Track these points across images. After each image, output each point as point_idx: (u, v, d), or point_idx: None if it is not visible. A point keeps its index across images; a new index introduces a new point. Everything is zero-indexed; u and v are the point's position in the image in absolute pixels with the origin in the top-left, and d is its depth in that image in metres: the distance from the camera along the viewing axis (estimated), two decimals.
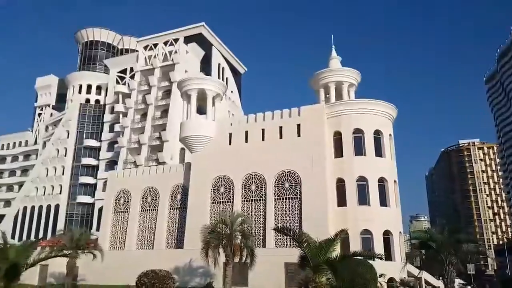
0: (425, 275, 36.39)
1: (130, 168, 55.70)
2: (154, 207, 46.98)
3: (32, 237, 68.18)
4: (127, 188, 49.18)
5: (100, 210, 57.65)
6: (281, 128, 40.55)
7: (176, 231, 45.15)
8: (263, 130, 41.41)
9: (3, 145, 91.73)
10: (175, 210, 45.96)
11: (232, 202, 41.20)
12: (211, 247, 29.61)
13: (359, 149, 38.27)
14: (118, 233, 48.30)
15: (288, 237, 35.66)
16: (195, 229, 36.30)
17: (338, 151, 38.76)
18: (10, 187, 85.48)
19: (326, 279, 19.55)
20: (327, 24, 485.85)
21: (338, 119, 39.23)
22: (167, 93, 66.96)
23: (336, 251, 21.14)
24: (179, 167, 48.05)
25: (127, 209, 48.37)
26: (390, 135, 40.28)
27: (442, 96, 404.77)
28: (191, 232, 40.17)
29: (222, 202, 41.95)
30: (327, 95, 44.60)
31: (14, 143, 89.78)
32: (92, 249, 38.16)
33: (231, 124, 44.02)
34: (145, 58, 70.53)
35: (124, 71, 74.08)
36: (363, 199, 36.95)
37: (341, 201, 37.34)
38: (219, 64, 73.98)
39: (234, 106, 75.69)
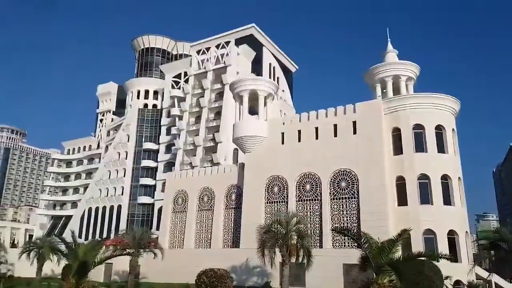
0: (495, 278, 33.98)
1: (186, 169, 57.06)
2: (210, 206, 47.76)
3: (97, 237, 71.89)
4: (184, 188, 50.41)
5: (160, 210, 59.56)
6: (335, 125, 39.62)
7: (232, 230, 45.62)
8: (316, 128, 40.69)
9: (69, 150, 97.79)
10: (231, 209, 46.42)
11: (287, 202, 40.87)
12: (267, 247, 29.45)
13: (419, 146, 36.49)
14: (177, 232, 49.61)
15: (346, 237, 34.92)
16: (250, 228, 36.48)
17: (397, 148, 37.20)
18: (76, 189, 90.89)
19: (388, 281, 18.77)
20: (382, 16, 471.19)
21: (396, 115, 37.67)
22: (220, 95, 67.98)
23: (399, 252, 20.23)
24: (233, 167, 48.49)
25: (185, 209, 49.57)
26: (453, 129, 38.04)
27: (509, 87, 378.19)
28: (247, 231, 40.41)
29: (276, 202, 41.75)
30: (384, 90, 42.99)
31: (79, 147, 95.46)
32: (153, 248, 39.41)
33: (283, 123, 43.70)
34: (198, 62, 72.11)
35: (178, 76, 76.24)
36: (425, 197, 35.18)
37: (402, 200, 35.79)
38: (270, 64, 73.99)
39: (286, 105, 75.30)
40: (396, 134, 37.67)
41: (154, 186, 73.40)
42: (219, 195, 47.30)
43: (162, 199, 56.35)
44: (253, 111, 47.46)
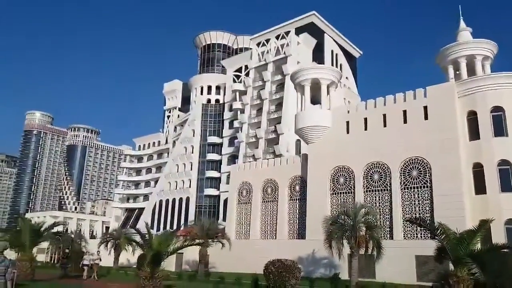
0: None
1: (249, 162, 57.58)
2: (274, 198, 47.77)
3: (168, 228, 75.06)
4: (248, 180, 50.88)
5: (225, 201, 60.78)
6: (404, 112, 37.63)
7: (297, 221, 45.32)
8: (384, 115, 38.92)
9: (139, 146, 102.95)
10: (295, 201, 46.10)
11: (353, 192, 39.70)
12: (334, 238, 28.78)
13: (499, 130, 33.55)
14: (243, 223, 50.29)
15: (419, 228, 33.30)
16: (316, 220, 35.89)
17: (473, 133, 34.54)
18: (147, 183, 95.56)
19: (467, 273, 17.57)
20: None
21: (472, 97, 34.97)
22: (281, 86, 67.64)
23: (478, 243, 18.83)
24: (296, 158, 48.03)
25: (249, 200, 50.06)
26: None
27: None
28: (312, 223, 39.86)
29: (342, 192, 40.71)
30: (457, 72, 40.09)
31: (149, 143, 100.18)
32: (220, 238, 40.23)
33: (348, 111, 42.33)
34: (258, 54, 72.26)
35: (239, 70, 77.05)
36: (507, 185, 32.34)
37: (480, 188, 33.22)
38: (332, 51, 72.29)
39: (350, 92, 73.22)
40: (472, 118, 35.00)
41: (219, 178, 75.08)
42: (283, 187, 47.13)
43: (227, 191, 57.40)
44: (315, 100, 46.57)
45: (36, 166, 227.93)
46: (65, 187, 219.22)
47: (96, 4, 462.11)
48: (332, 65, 68.40)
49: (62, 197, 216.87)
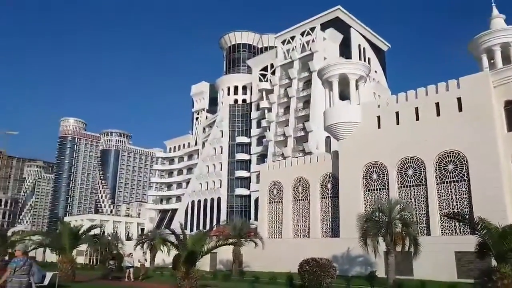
0: None
1: (279, 160, 57.38)
2: (306, 196, 47.40)
3: (201, 228, 75.88)
4: (278, 179, 50.70)
5: (256, 201, 60.87)
6: (437, 104, 36.52)
7: (330, 219, 44.81)
8: (416, 109, 37.91)
9: (170, 148, 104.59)
10: (327, 199, 45.57)
11: (387, 188, 38.86)
12: (369, 235, 28.23)
13: None
14: (275, 222, 50.17)
15: (458, 224, 32.27)
16: (349, 217, 35.41)
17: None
18: (179, 184, 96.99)
19: (511, 269, 16.96)
20: None
21: (508, 87, 33.50)
22: (308, 83, 67.10)
23: None
24: (327, 156, 47.47)
25: (280, 199, 49.89)
26: None
27: None
28: (346, 220, 39.34)
29: (376, 189, 39.93)
30: (491, 61, 38.57)
31: (179, 145, 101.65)
32: (253, 237, 40.24)
33: (378, 106, 41.47)
34: (284, 52, 71.93)
35: (265, 69, 76.98)
36: None
37: None
38: (359, 45, 71.15)
39: (379, 86, 71.84)
40: (509, 108, 33.60)
41: (249, 178, 75.27)
42: (314, 185, 46.68)
43: (258, 190, 57.43)
44: (344, 96, 45.89)
45: (72, 171, 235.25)
46: (100, 191, 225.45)
47: (121, 8, 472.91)
48: (360, 59, 67.33)
49: (98, 201, 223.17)
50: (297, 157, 53.75)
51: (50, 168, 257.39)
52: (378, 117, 40.54)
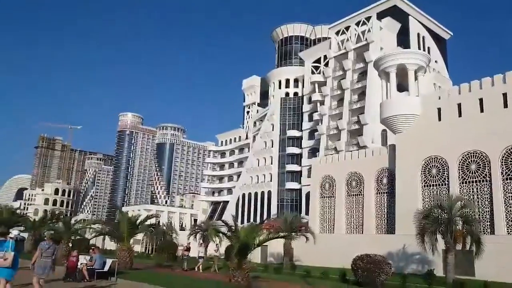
0: None
1: (331, 154, 56.26)
2: (360, 191, 46.12)
3: (251, 220, 76.33)
4: (330, 174, 49.73)
5: (307, 195, 60.14)
6: (505, 95, 33.89)
7: (385, 216, 43.33)
8: (480, 100, 35.45)
9: (222, 141, 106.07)
10: (382, 194, 44.10)
11: (447, 184, 36.84)
12: (427, 233, 26.89)
13: None
14: (326, 217, 49.33)
15: None
16: (406, 214, 34.00)
17: None
18: (230, 177, 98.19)
19: None
20: None
21: None
22: (363, 75, 65.10)
23: None
24: (383, 150, 45.86)
25: (333, 194, 48.94)
26: None
27: None
28: (402, 217, 37.81)
29: (435, 185, 37.99)
30: None
31: (230, 139, 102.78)
32: (304, 232, 39.81)
33: (439, 97, 39.29)
34: (338, 43, 70.24)
35: (318, 61, 75.58)
36: None
37: None
38: (418, 34, 67.94)
39: (440, 77, 68.23)
40: None
41: (300, 172, 74.55)
42: (369, 180, 45.31)
43: (309, 185, 56.70)
44: (401, 88, 44.08)
45: (130, 164, 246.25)
46: (156, 182, 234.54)
47: (173, 7, 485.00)
48: (419, 49, 64.19)
49: (153, 192, 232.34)
50: (351, 151, 52.39)
51: (109, 161, 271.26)
52: (439, 109, 38.46)
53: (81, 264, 19.63)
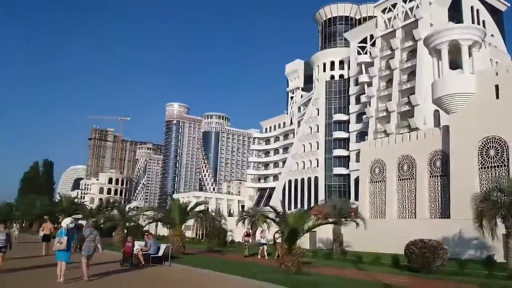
0: None
1: (381, 138, 54.64)
2: (412, 175, 44.54)
3: (298, 206, 76.14)
4: (380, 157, 48.37)
5: (356, 180, 59.06)
6: None
7: (439, 199, 41.67)
8: None
9: (266, 128, 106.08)
10: (436, 177, 42.36)
11: (508, 165, 34.81)
12: (486, 217, 25.40)
13: None
14: (377, 202, 48.17)
15: None
16: (462, 197, 32.48)
17: None
18: (276, 164, 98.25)
19: None
20: None
21: None
22: (412, 53, 62.32)
23: None
24: (435, 131, 43.90)
25: (383, 178, 47.63)
26: None
27: None
28: (457, 200, 36.16)
29: (494, 166, 35.97)
30: None
31: (275, 125, 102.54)
32: (354, 217, 39.07)
33: (496, 73, 36.91)
34: (385, 21, 67.56)
35: (364, 41, 73.13)
36: None
37: None
38: (471, 7, 63.98)
39: (497, 52, 64.01)
40: None
41: (348, 157, 73.09)
42: (421, 163, 43.62)
43: (358, 170, 55.52)
44: (455, 65, 41.70)
45: (178, 152, 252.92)
46: (203, 170, 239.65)
47: None
48: (473, 23, 60.45)
49: (201, 179, 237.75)
50: (401, 134, 50.65)
51: (158, 150, 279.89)
52: (496, 86, 36.18)
53: (136, 249, 20.27)
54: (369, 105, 66.59)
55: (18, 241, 34.18)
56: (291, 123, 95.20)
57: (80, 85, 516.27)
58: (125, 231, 38.18)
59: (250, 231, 31.39)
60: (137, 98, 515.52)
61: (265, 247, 28.95)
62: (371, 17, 76.75)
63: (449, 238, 34.83)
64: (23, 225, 68.75)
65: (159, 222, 40.64)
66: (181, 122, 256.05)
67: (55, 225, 31.82)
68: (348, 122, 74.87)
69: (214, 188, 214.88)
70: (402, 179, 45.61)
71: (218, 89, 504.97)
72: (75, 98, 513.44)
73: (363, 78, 69.94)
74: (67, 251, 13.72)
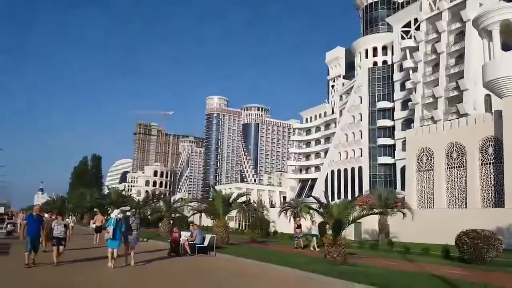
0: None
1: (428, 125, 52.56)
2: (462, 163, 42.61)
3: (342, 197, 74.96)
4: (428, 145, 46.61)
5: (402, 169, 57.29)
6: None
7: (492, 188, 39.66)
8: None
9: (306, 118, 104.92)
10: (488, 165, 40.29)
11: None
12: None
13: None
14: (425, 191, 46.55)
15: None
16: None
17: None
18: (317, 154, 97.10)
19: None
20: None
21: None
22: (460, 36, 59.22)
23: None
24: (487, 116, 41.64)
25: (430, 167, 45.89)
26: None
27: None
28: None
29: None
30: None
31: (315, 115, 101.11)
32: (400, 208, 37.98)
33: None
34: (429, 3, 64.57)
35: (408, 25, 70.35)
36: None
37: None
38: None
39: None
40: None
41: (393, 145, 70.95)
42: (472, 150, 41.59)
43: (404, 158, 53.82)
44: (506, 46, 39.32)
45: (219, 145, 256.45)
46: (244, 162, 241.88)
47: None
48: None
49: (242, 171, 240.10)
50: (450, 120, 48.46)
51: (200, 143, 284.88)
52: None
53: (183, 239, 20.63)
54: (415, 91, 64.17)
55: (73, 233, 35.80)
56: (333, 112, 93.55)
57: (125, 81, 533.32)
58: (171, 222, 39.11)
59: (301, 223, 30.46)
60: (178, 93, 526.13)
61: (315, 239, 28.19)
62: (414, 0, 73.62)
63: (504, 228, 33.05)
64: (75, 217, 72.19)
65: (203, 213, 41.30)
66: (221, 115, 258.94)
67: (105, 217, 33.04)
68: (392, 109, 72.57)
69: (255, 180, 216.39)
70: (451, 168, 43.73)
71: (257, 81, 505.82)
72: (121, 94, 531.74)
73: (408, 63, 67.40)
74: (116, 239, 14.85)
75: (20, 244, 16.65)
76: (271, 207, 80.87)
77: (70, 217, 42.69)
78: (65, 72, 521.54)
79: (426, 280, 13.46)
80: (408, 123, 66.68)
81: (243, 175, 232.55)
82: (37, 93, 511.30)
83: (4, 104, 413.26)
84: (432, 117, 59.18)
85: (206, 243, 21.22)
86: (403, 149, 57.12)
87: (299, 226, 29.34)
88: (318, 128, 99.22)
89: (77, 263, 15.70)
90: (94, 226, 26.92)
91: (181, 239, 20.62)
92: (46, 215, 21.15)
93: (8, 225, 30.04)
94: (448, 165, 44.10)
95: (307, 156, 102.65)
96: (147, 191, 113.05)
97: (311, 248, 27.15)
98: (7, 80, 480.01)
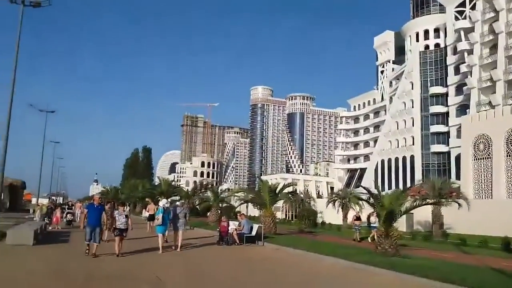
0: None
1: (485, 110, 49.56)
2: None
3: (392, 187, 72.76)
4: (485, 132, 44.15)
5: (457, 158, 54.62)
6: None
7: None
8: None
9: (354, 106, 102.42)
10: None
11: None
12: None
13: None
14: (482, 181, 44.24)
15: None
16: None
17: None
18: (366, 143, 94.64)
19: None
20: None
21: None
22: None
23: None
24: None
25: (489, 155, 43.44)
26: None
27: None
28: None
29: None
30: None
31: (364, 103, 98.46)
32: (455, 198, 36.25)
33: None
34: None
35: (462, 4, 66.34)
36: None
37: None
38: None
39: None
40: None
41: (448, 132, 67.70)
42: None
43: (459, 146, 51.23)
44: None
45: (264, 135, 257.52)
46: (289, 152, 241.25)
47: None
48: None
49: (287, 161, 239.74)
50: (510, 105, 45.39)
51: (245, 133, 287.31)
52: None
53: (231, 229, 20.81)
54: (471, 75, 60.60)
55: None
56: (382, 99, 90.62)
57: (174, 74, 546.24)
58: (219, 211, 39.68)
59: (360, 214, 29.25)
60: (223, 84, 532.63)
61: (374, 230, 27.00)
62: None
63: None
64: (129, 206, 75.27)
65: (250, 203, 41.54)
66: (265, 105, 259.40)
67: (157, 206, 34.04)
68: (446, 95, 69.11)
69: (300, 170, 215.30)
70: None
71: (301, 69, 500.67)
72: (169, 87, 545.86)
73: (463, 45, 63.68)
74: (164, 225, 16.76)
75: (80, 233, 17.23)
76: (318, 197, 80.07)
77: (125, 207, 44.44)
78: (117, 70, 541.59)
79: (485, 274, 12.63)
80: (463, 108, 63.27)
81: (289, 165, 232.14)
82: (92, 93, 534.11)
83: (59, 100, 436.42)
84: (490, 102, 55.61)
85: (253, 232, 21.26)
86: (458, 137, 54.37)
87: (358, 218, 28.25)
88: (367, 116, 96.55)
89: (137, 254, 15.76)
90: (147, 214, 27.84)
91: (229, 228, 20.81)
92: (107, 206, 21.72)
93: (68, 215, 31.67)
94: (508, 153, 41.52)
95: (356, 145, 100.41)
96: (195, 182, 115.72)
97: (369, 240, 26.05)
98: (63, 76, 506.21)
